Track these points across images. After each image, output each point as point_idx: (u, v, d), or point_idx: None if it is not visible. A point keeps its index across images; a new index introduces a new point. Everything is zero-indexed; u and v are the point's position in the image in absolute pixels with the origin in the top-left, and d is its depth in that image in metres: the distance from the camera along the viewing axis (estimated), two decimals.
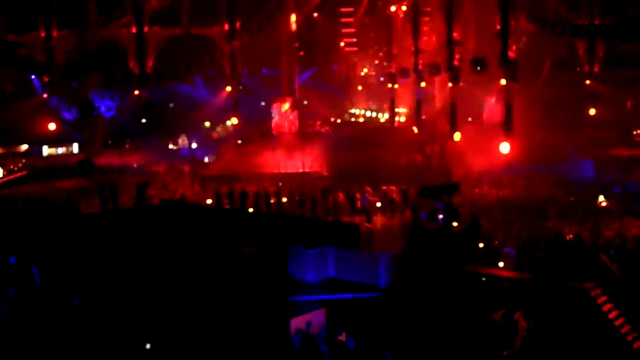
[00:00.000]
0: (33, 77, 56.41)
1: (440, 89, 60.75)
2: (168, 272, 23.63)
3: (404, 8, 63.36)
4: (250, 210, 36.03)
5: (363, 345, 18.87)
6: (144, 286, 21.79)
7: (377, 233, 31.02)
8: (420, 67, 56.64)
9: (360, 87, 77.36)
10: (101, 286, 22.37)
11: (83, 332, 16.87)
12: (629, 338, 20.95)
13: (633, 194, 37.29)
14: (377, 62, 76.56)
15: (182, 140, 61.00)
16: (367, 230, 30.38)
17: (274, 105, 60.35)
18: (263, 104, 65.80)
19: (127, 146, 60.17)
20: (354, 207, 34.83)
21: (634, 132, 56.44)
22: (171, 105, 63.59)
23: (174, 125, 59.63)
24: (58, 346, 16.71)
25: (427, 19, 62.07)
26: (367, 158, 48.79)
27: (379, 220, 33.41)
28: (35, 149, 57.86)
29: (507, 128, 44.13)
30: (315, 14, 69.00)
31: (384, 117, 69.99)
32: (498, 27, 45.07)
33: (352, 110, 74.72)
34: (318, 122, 67.20)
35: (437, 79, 57.72)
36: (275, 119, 59.38)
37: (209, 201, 38.51)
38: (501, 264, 24.91)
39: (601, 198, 36.31)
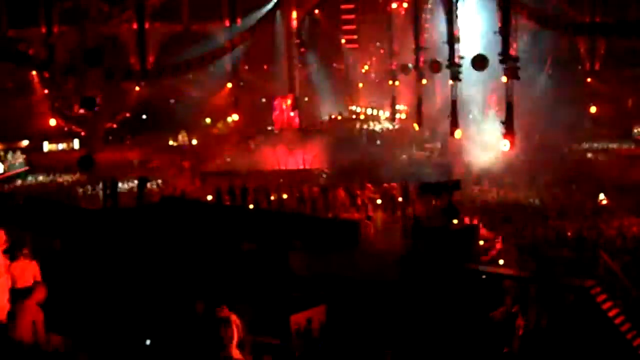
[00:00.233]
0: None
1: (441, 86, 60.73)
2: (167, 269, 23.62)
3: (405, 5, 63.36)
4: (251, 206, 36.06)
5: (363, 344, 18.90)
6: (143, 282, 21.76)
7: (377, 230, 31.06)
8: (421, 64, 56.62)
9: (361, 85, 77.30)
10: (100, 282, 22.38)
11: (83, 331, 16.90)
12: (629, 336, 20.95)
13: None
14: (375, 59, 76.44)
15: (182, 137, 61.00)
16: (367, 227, 30.37)
17: (275, 102, 60.38)
18: (264, 100, 65.81)
19: (127, 142, 60.21)
20: (354, 204, 34.88)
21: (635, 130, 56.44)
22: (172, 101, 63.59)
23: (174, 121, 59.60)
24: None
25: (428, 16, 61.99)
26: (368, 155, 48.84)
27: (379, 217, 33.43)
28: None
29: (507, 126, 44.10)
30: (316, 11, 68.94)
31: (384, 114, 69.94)
32: (499, 24, 45.05)
33: (352, 107, 74.62)
34: (319, 119, 67.28)
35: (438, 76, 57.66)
36: (276, 115, 59.43)
37: (209, 197, 38.54)
38: (501, 262, 24.93)
39: (602, 196, 36.33)
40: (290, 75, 61.35)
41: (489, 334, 20.55)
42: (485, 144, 46.09)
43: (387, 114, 68.67)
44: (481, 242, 26.62)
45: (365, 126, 64.97)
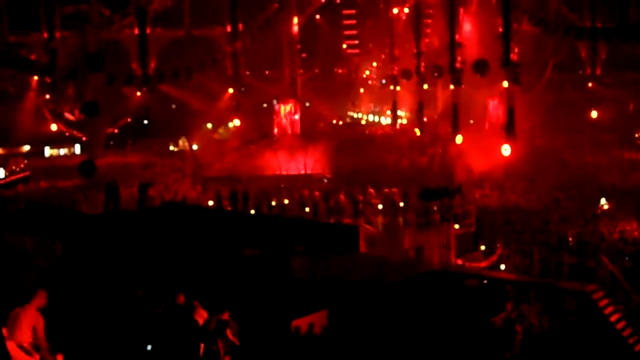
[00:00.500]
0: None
1: (442, 92, 60.80)
2: (169, 274, 23.60)
3: (406, 10, 63.43)
4: (252, 211, 36.04)
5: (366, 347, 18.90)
6: (144, 288, 21.76)
7: (378, 235, 31.04)
8: (422, 69, 56.66)
9: (362, 90, 77.35)
10: (101, 287, 22.37)
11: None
12: (631, 341, 20.93)
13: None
14: (376, 64, 76.49)
15: (183, 142, 61.04)
16: (368, 233, 30.34)
17: (277, 107, 60.41)
18: (265, 105, 65.86)
19: (128, 147, 60.26)
20: (356, 209, 34.84)
21: (636, 135, 56.41)
22: (173, 106, 63.66)
23: (175, 126, 59.66)
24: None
25: (429, 21, 62.11)
26: (370, 160, 48.83)
27: (380, 222, 33.40)
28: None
29: (509, 130, 44.14)
30: (318, 16, 69.05)
31: (386, 120, 69.98)
32: (500, 29, 45.13)
33: (351, 114, 74.72)
34: (321, 124, 67.30)
35: (439, 81, 57.73)
36: (278, 120, 59.45)
37: (210, 203, 38.51)
38: (502, 267, 24.89)
39: (603, 201, 36.30)
40: (292, 80, 61.38)
41: (490, 339, 20.53)
42: (487, 148, 46.10)
43: (389, 120, 68.69)
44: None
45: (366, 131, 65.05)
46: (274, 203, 37.36)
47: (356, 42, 76.31)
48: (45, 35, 56.20)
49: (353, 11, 73.75)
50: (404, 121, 67.33)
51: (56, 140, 58.53)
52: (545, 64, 57.01)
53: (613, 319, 21.30)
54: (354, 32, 75.83)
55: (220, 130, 63.67)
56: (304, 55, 65.27)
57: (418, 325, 20.69)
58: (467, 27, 55.19)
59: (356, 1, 72.63)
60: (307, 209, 35.97)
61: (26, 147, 56.58)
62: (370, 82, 77.17)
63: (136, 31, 57.77)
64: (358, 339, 19.67)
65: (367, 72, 78.03)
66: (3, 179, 48.42)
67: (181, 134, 60.76)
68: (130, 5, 57.75)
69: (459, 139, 49.21)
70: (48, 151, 58.63)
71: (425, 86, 57.35)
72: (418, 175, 43.20)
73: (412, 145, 56.16)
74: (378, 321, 20.82)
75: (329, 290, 23.04)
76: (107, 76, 44.95)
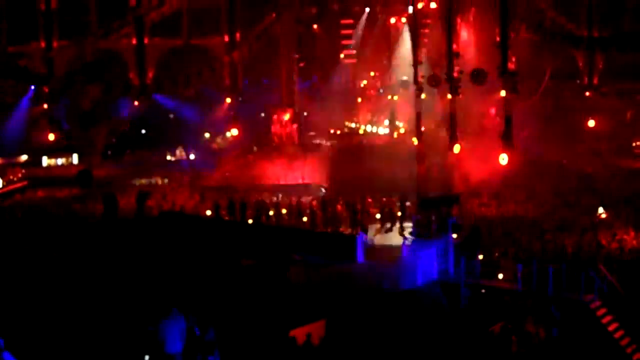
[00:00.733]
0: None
1: (440, 101, 60.74)
2: (166, 284, 23.57)
3: (403, 20, 63.48)
4: (250, 221, 36.02)
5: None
6: (141, 297, 21.73)
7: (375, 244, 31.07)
8: (419, 78, 56.61)
9: (359, 99, 77.30)
10: (98, 294, 22.34)
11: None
12: (629, 350, 20.89)
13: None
14: (374, 73, 76.47)
15: (180, 152, 60.91)
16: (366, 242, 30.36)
17: (274, 117, 60.40)
18: (263, 115, 65.83)
19: (126, 157, 60.13)
20: (354, 218, 34.85)
21: (633, 144, 56.44)
22: (171, 116, 63.61)
23: (173, 136, 59.60)
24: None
25: (426, 30, 62.12)
26: (367, 169, 48.77)
27: (377, 231, 33.45)
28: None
29: (506, 140, 44.10)
30: (315, 26, 69.11)
31: (384, 130, 69.92)
32: (497, 38, 45.20)
33: (347, 123, 74.59)
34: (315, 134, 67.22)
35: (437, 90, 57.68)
36: (275, 129, 59.45)
37: (208, 212, 38.48)
38: (500, 276, 24.84)
39: (600, 210, 36.30)
40: (289, 89, 61.42)
41: (488, 348, 20.50)
42: (484, 157, 46.06)
43: (387, 131, 68.68)
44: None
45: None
46: (271, 213, 37.34)
47: (354, 51, 76.30)
48: (43, 44, 56.26)
49: (351, 21, 73.72)
50: (402, 130, 67.25)
51: (54, 150, 58.42)
52: (543, 72, 57.06)
53: (611, 328, 21.27)
54: (351, 41, 75.83)
55: (218, 140, 63.60)
56: (301, 64, 65.29)
57: (416, 334, 20.66)
58: (464, 36, 55.28)
59: (354, 10, 72.69)
60: (304, 219, 36.00)
61: (24, 157, 56.49)
62: (369, 91, 77.08)
63: (134, 41, 57.87)
64: (356, 349, 19.65)
65: (365, 82, 77.93)
66: (1, 188, 48.40)
67: (178, 143, 60.64)
68: (128, 14, 57.85)
69: (456, 148, 49.13)
70: (46, 161, 58.51)
71: (423, 96, 57.25)
72: (416, 184, 43.15)
73: (410, 155, 56.06)
74: (376, 331, 20.78)
75: (327, 299, 23.02)
76: (104, 86, 45.03)
